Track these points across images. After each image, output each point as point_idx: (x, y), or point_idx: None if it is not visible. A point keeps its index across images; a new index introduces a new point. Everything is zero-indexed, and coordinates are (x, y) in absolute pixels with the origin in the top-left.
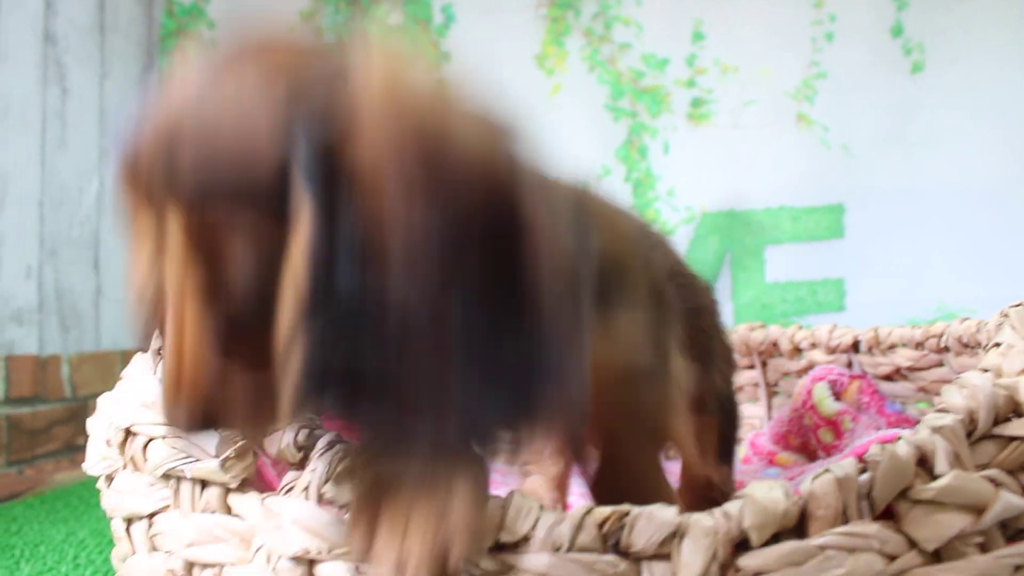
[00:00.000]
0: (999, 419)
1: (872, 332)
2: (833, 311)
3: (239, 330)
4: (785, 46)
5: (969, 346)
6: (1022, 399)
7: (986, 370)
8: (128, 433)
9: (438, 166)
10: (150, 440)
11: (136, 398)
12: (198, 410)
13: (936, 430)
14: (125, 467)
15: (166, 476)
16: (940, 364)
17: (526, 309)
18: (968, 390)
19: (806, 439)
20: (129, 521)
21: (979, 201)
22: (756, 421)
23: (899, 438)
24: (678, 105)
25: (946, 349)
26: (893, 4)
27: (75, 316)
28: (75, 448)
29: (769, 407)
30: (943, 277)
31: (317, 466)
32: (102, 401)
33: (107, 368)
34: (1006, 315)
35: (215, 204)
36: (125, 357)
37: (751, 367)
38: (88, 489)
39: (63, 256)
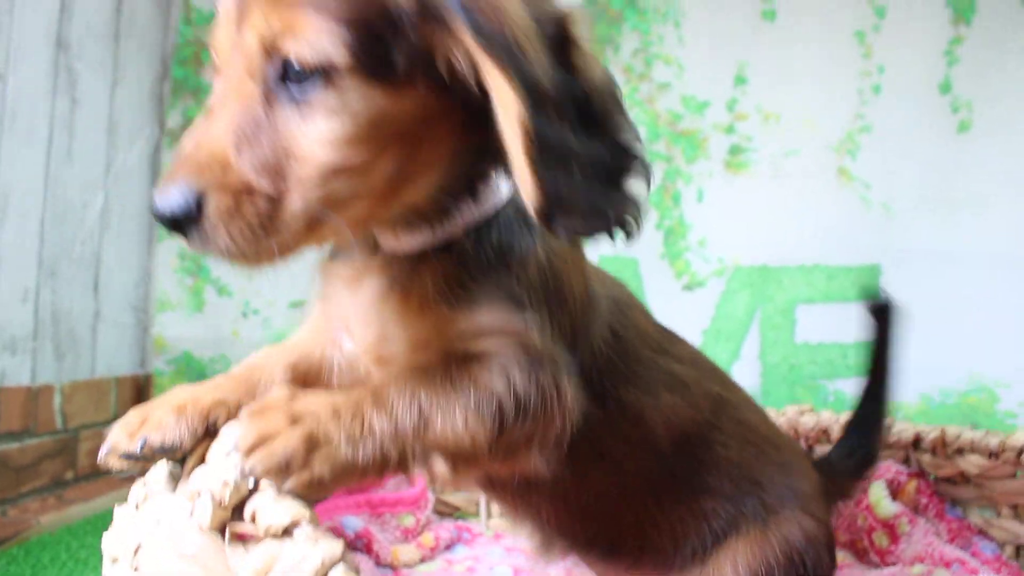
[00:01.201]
0: None
1: (938, 432)
2: (864, 376)
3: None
4: (830, 96)
5: None
6: None
7: None
8: None
9: (542, 27)
10: None
11: (174, 546)
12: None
13: None
14: None
15: None
16: (1014, 476)
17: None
18: None
19: (856, 537)
20: None
21: (1020, 270)
22: None
23: None
24: (716, 151)
25: None
26: (944, 59)
27: (71, 341)
28: (62, 484)
29: None
30: (978, 347)
31: None
32: (119, 515)
33: (101, 396)
34: None
35: None
36: (120, 384)
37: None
38: (75, 536)
39: (62, 276)
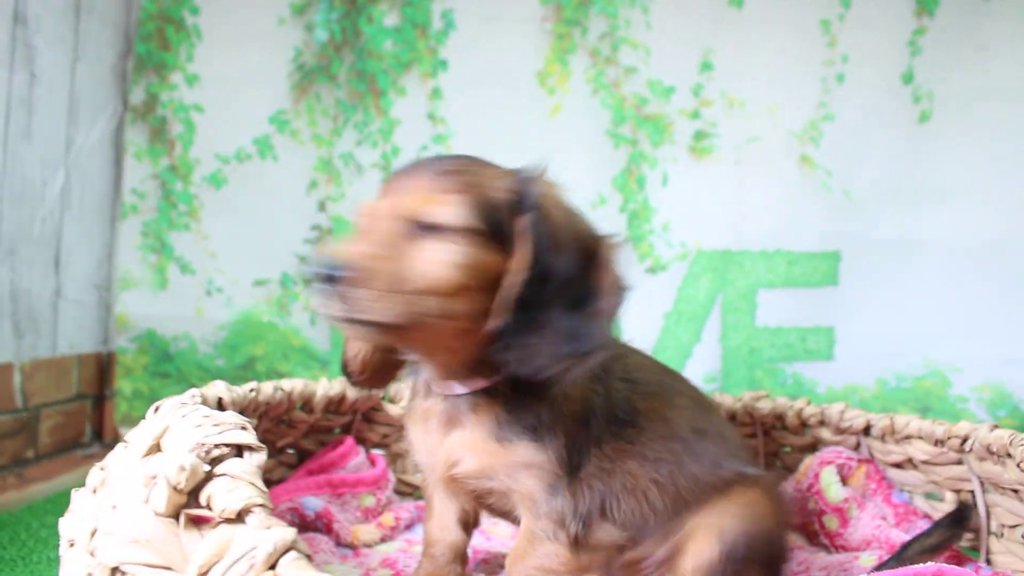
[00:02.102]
0: None
1: (887, 420)
2: (822, 359)
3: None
4: (795, 84)
5: (997, 455)
6: None
7: None
8: (115, 572)
9: (576, 241)
10: None
11: (127, 530)
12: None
13: None
14: None
15: None
16: (958, 462)
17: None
18: None
19: (807, 520)
20: None
21: (978, 258)
22: None
23: None
24: (681, 136)
25: (969, 451)
26: (907, 50)
27: (31, 319)
28: (23, 462)
29: None
30: (933, 333)
31: None
32: (77, 500)
33: (62, 375)
34: None
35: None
36: (82, 362)
37: (752, 436)
38: (36, 515)
39: (21, 255)
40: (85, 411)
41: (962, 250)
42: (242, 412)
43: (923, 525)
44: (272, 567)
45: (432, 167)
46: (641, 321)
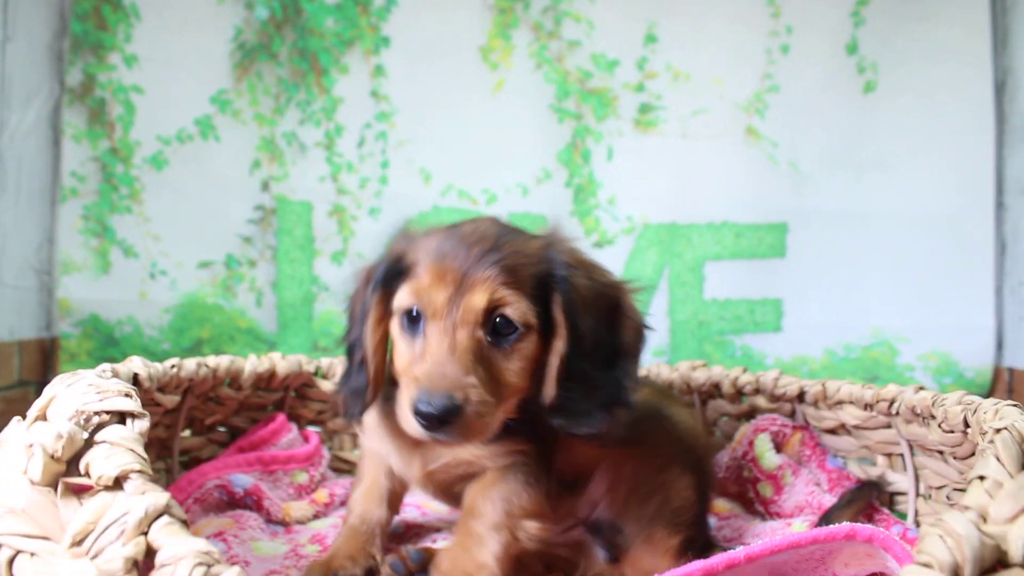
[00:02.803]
0: (985, 572)
1: (819, 386)
2: (770, 331)
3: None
4: (740, 56)
5: (922, 416)
6: (1011, 550)
7: (968, 507)
8: None
9: (601, 299)
10: (17, 554)
11: (4, 500)
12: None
13: None
14: None
15: None
16: (888, 426)
17: (619, 361)
18: (952, 540)
19: (743, 488)
20: None
21: (924, 229)
22: None
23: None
24: (625, 110)
25: (896, 414)
26: (851, 20)
27: None
28: None
29: None
30: (881, 304)
31: None
32: None
33: (3, 361)
34: (991, 440)
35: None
36: (24, 348)
37: (690, 405)
38: None
39: None
40: (28, 398)
41: (909, 220)
42: (162, 389)
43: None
44: (145, 533)
45: (490, 258)
46: None
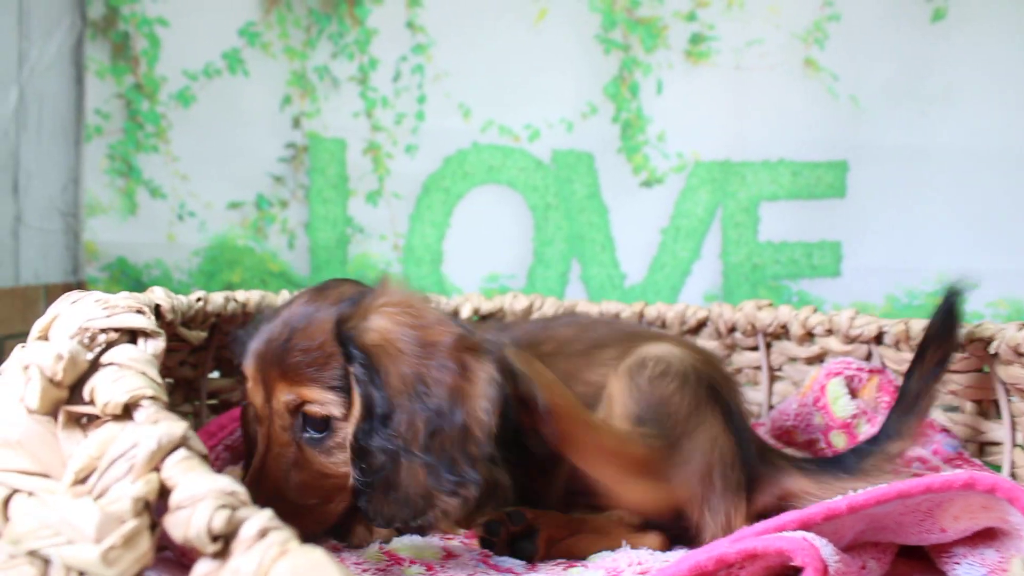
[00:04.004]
0: None
1: (902, 325)
2: (828, 276)
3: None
4: None
5: None
6: None
7: None
8: None
9: (412, 364)
10: (13, 494)
11: None
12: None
13: None
14: None
15: (32, 554)
16: (978, 369)
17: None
18: None
19: (814, 438)
20: None
21: (994, 165)
22: (755, 408)
23: None
24: (676, 40)
25: (994, 355)
26: None
27: None
28: None
29: (770, 393)
30: (947, 246)
31: (242, 565)
32: None
33: (28, 305)
34: None
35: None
36: (50, 292)
37: (754, 348)
38: None
39: None
40: None
41: (978, 156)
42: (187, 324)
43: (940, 440)
44: (157, 468)
45: (287, 353)
46: (636, 238)
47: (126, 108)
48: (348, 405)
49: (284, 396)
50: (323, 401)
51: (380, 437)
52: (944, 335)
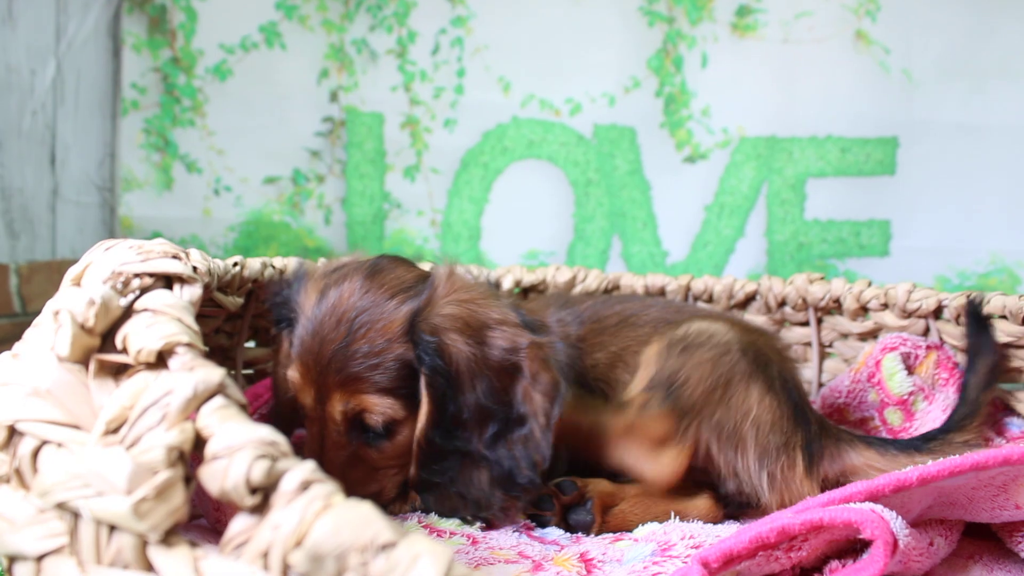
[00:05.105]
0: None
1: (962, 298)
2: (876, 255)
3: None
4: None
5: None
6: None
7: None
8: (12, 432)
9: (490, 367)
10: (42, 445)
11: (25, 383)
12: None
13: None
14: (8, 480)
15: (60, 507)
16: None
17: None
18: None
19: (867, 416)
20: (11, 560)
21: None
22: (805, 386)
23: None
24: (722, 13)
25: None
26: None
27: (26, 220)
28: None
29: (820, 371)
30: (1001, 226)
31: (282, 520)
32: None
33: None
34: None
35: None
36: None
37: (804, 323)
38: None
39: (10, 151)
40: None
41: None
42: (223, 289)
43: (1000, 418)
44: (193, 418)
45: (341, 358)
46: (678, 215)
47: (163, 82)
48: (410, 406)
49: (342, 405)
50: (384, 407)
51: (449, 437)
52: (985, 346)
